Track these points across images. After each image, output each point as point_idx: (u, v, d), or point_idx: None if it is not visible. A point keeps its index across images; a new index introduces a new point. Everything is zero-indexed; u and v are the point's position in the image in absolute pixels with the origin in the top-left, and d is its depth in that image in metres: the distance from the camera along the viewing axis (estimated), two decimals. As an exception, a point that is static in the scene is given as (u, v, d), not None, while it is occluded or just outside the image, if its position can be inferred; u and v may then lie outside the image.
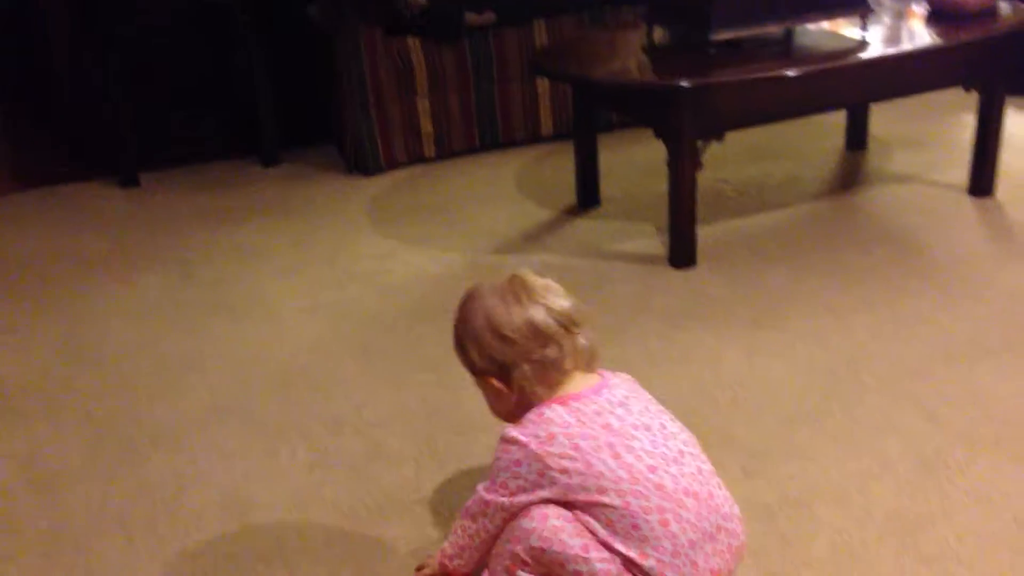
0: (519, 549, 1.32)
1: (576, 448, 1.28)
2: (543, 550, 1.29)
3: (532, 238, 2.75)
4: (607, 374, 1.40)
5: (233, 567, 1.59)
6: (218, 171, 3.45)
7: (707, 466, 1.35)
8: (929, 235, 2.58)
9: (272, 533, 1.66)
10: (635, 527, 1.26)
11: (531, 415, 1.33)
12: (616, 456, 1.28)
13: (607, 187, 2.97)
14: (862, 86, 2.58)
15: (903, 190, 2.87)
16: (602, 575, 1.27)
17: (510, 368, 1.35)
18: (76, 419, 2.03)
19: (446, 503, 1.70)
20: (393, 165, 3.33)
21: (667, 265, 2.51)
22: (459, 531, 1.42)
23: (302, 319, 2.39)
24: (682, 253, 2.50)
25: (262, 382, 2.12)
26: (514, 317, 1.34)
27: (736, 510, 1.35)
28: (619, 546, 1.26)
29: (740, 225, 2.73)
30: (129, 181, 3.34)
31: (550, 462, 1.28)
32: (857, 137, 3.20)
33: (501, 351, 1.35)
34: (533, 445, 1.30)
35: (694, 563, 1.27)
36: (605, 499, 1.27)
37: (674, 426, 1.37)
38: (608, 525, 1.27)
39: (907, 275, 2.37)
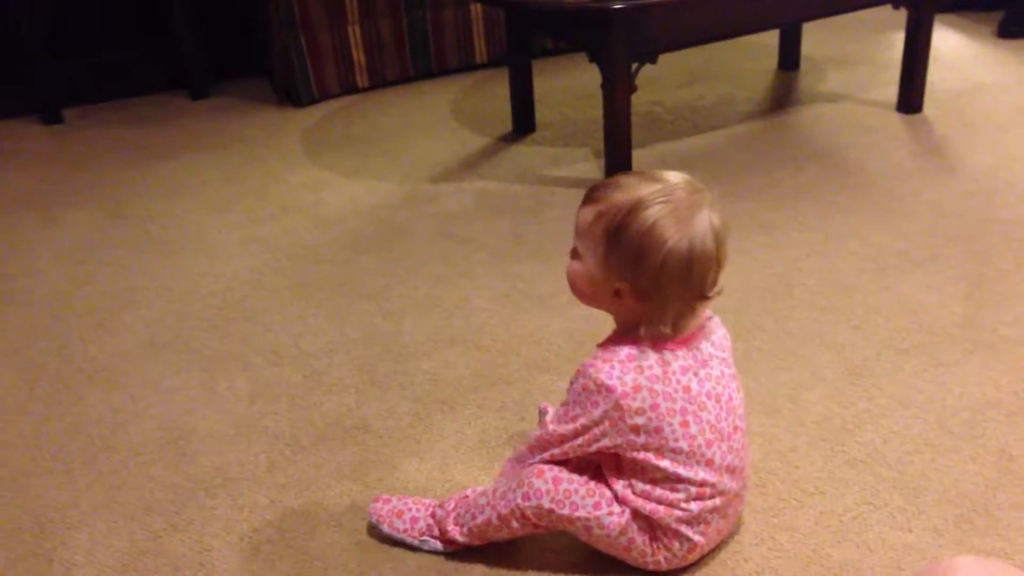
0: (525, 505, 1.31)
1: (654, 408, 1.24)
2: (552, 511, 1.30)
3: (469, 166, 2.73)
4: (707, 315, 1.32)
5: (175, 497, 1.59)
6: (144, 106, 3.36)
7: (746, 439, 1.35)
8: (859, 153, 2.62)
9: (213, 463, 1.66)
10: (674, 489, 1.28)
11: (623, 354, 1.25)
12: (684, 424, 1.25)
13: (543, 113, 2.96)
14: (795, 5, 2.59)
15: (834, 109, 2.90)
16: (611, 527, 1.30)
17: (659, 304, 1.23)
18: (6, 358, 1.99)
19: (388, 429, 1.71)
20: (325, 96, 3.27)
21: (603, 189, 2.52)
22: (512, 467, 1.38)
23: (237, 253, 2.36)
24: (618, 176, 2.50)
25: (198, 316, 2.10)
26: (709, 268, 1.21)
27: (750, 474, 1.40)
28: (654, 496, 1.29)
29: (675, 147, 2.75)
30: (52, 118, 3.24)
31: (627, 417, 1.24)
32: (789, 57, 3.22)
33: (672, 288, 1.21)
34: (618, 392, 1.23)
35: (710, 524, 1.32)
36: (659, 463, 1.26)
37: (738, 395, 1.33)
38: (650, 482, 1.28)
39: (838, 192, 2.41)
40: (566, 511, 1.30)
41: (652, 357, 1.25)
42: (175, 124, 3.19)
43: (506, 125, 2.93)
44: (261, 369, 1.90)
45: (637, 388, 1.24)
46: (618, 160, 2.49)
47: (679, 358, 1.26)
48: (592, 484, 1.31)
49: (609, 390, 1.23)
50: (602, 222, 1.23)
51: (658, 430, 1.25)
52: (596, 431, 1.27)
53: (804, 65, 3.23)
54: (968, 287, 1.98)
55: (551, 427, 1.31)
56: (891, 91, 2.86)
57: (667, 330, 1.24)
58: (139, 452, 1.70)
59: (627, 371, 1.24)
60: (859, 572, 1.35)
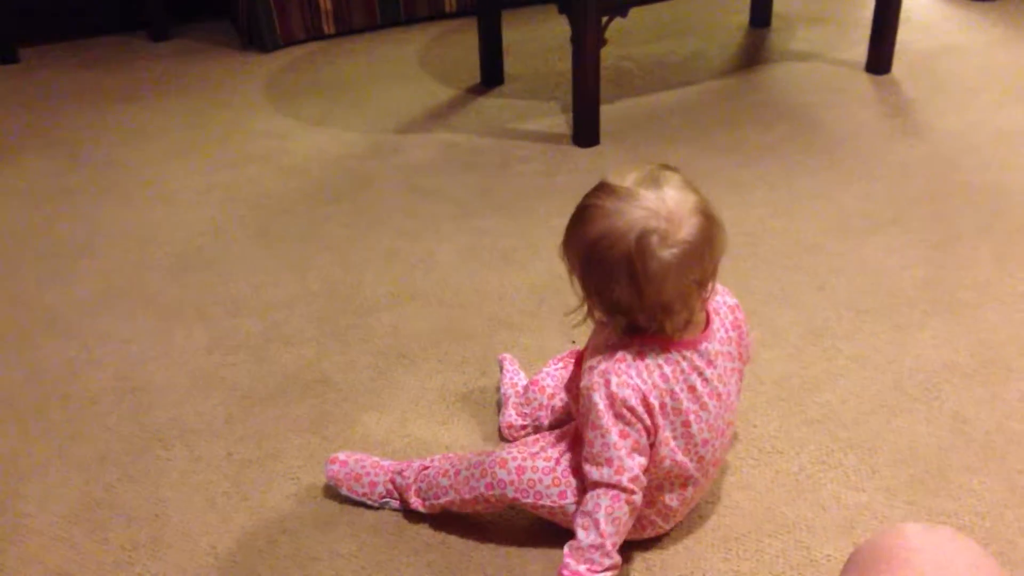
0: (489, 494, 1.30)
1: (662, 408, 1.19)
2: (516, 499, 1.29)
3: (435, 117, 2.69)
4: (713, 308, 1.26)
5: (130, 448, 1.57)
6: (103, 47, 3.27)
7: (734, 429, 1.34)
8: (827, 112, 2.61)
9: (169, 414, 1.64)
10: (660, 487, 1.26)
11: (629, 353, 1.18)
12: (685, 424, 1.21)
13: (511, 65, 2.92)
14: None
15: (804, 68, 2.89)
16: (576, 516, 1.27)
17: (648, 318, 1.16)
18: (-41, 306, 1.95)
19: (347, 382, 1.69)
20: (291, 41, 3.20)
21: (571, 144, 2.50)
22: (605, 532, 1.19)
23: (197, 201, 2.31)
24: (586, 131, 2.48)
25: (157, 266, 2.07)
26: (704, 263, 1.14)
27: None
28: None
29: (643, 103, 2.72)
30: (7, 57, 3.15)
31: (647, 419, 1.18)
32: (761, 14, 3.19)
33: (656, 300, 1.14)
34: (643, 391, 1.17)
35: (681, 512, 1.32)
36: (657, 462, 1.22)
37: (735, 387, 1.29)
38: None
39: (805, 152, 2.41)
40: (530, 499, 1.29)
41: (661, 356, 1.19)
42: (135, 66, 3.11)
43: (474, 76, 2.89)
44: (220, 320, 1.88)
45: (654, 386, 1.18)
46: (586, 115, 2.46)
47: (686, 358, 1.20)
48: (559, 472, 1.28)
49: (641, 407, 1.17)
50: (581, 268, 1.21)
51: (662, 429, 1.20)
52: (638, 447, 1.19)
53: (775, 22, 3.21)
54: (929, 250, 1.99)
55: (609, 478, 1.18)
56: (860, 50, 2.85)
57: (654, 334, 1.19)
58: (94, 402, 1.68)
59: (640, 371, 1.18)
60: (812, 530, 1.37)
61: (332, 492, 1.45)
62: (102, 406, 1.67)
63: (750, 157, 2.40)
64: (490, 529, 1.38)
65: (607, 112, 2.53)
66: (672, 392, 1.20)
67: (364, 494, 1.41)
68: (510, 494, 1.29)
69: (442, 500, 1.35)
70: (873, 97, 2.70)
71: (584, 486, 1.23)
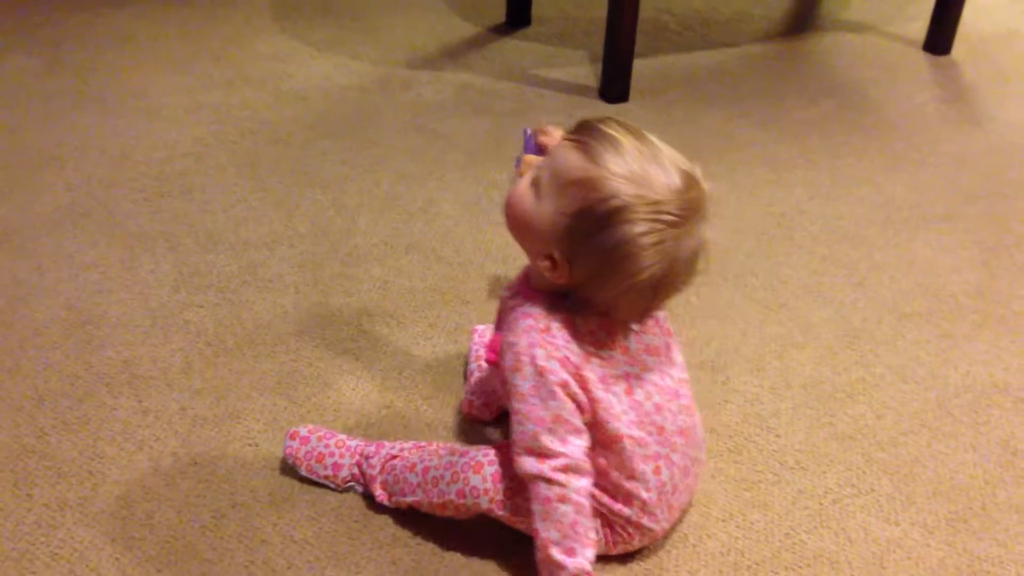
0: (460, 502, 1.13)
1: (603, 380, 1.06)
2: (491, 511, 1.12)
3: (453, 54, 2.48)
4: None
5: (71, 391, 1.39)
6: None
7: (690, 390, 1.17)
8: (879, 91, 2.40)
9: (121, 355, 1.46)
10: (626, 474, 1.09)
11: (555, 321, 1.05)
12: (629, 392, 1.08)
13: (541, 6, 2.69)
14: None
15: (856, 40, 2.67)
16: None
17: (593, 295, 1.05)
18: (-94, 210, 1.76)
19: (325, 339, 1.51)
20: (305, -42, 2.97)
21: (597, 98, 2.29)
22: (546, 516, 1.06)
23: (183, 119, 2.11)
24: (615, 86, 2.27)
25: (129, 185, 1.87)
26: (672, 292, 1.05)
27: (703, 435, 1.20)
28: (612, 492, 1.10)
29: (680, 61, 2.51)
30: (-1, -54, 2.92)
31: (582, 394, 1.06)
32: (814, -21, 2.96)
33: (620, 302, 1.04)
34: (564, 370, 1.04)
35: (671, 506, 1.14)
36: (617, 439, 1.07)
37: (675, 343, 1.16)
38: (602, 473, 1.09)
39: (851, 132, 2.20)
40: (506, 513, 1.12)
41: (594, 321, 1.07)
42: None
43: (499, 14, 2.67)
44: (191, 253, 1.69)
45: (587, 356, 1.06)
46: (617, 68, 2.25)
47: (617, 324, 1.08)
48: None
49: (574, 381, 1.05)
50: (579, 196, 1.00)
51: (597, 401, 1.06)
52: (578, 422, 1.05)
53: (828, -11, 2.98)
54: (984, 253, 1.80)
55: (534, 466, 1.05)
56: (919, 27, 2.63)
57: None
58: (39, 333, 1.49)
59: (569, 340, 1.05)
60: (835, 565, 1.19)
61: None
62: (48, 338, 1.48)
63: (790, 132, 2.19)
64: (467, 526, 1.20)
65: (639, 67, 2.32)
66: (611, 358, 1.07)
67: (326, 477, 1.23)
68: (484, 504, 1.12)
69: (408, 499, 1.17)
70: (930, 79, 2.48)
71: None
